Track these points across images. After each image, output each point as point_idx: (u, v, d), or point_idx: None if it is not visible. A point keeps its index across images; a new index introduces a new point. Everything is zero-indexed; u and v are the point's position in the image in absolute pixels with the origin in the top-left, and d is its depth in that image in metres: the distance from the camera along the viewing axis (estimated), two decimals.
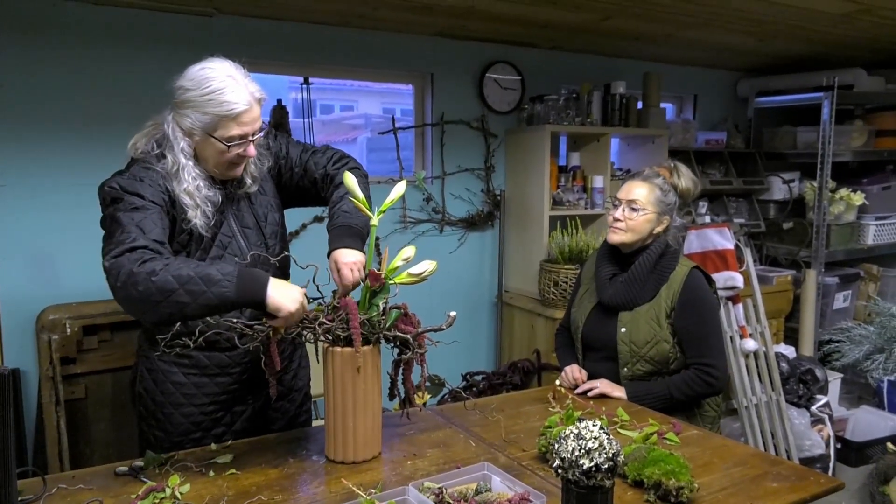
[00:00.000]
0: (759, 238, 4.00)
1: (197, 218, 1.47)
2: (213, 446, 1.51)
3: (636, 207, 1.92)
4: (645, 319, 1.91)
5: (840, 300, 3.78)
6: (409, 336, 1.44)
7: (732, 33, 3.12)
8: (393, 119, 3.05)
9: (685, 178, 2.00)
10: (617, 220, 1.95)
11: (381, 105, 4.33)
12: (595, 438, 1.11)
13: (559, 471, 1.13)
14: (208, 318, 1.37)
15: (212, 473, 1.38)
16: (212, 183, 1.52)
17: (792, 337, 3.73)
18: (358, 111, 3.70)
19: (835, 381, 3.55)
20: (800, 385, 3.31)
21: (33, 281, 2.38)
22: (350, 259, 1.45)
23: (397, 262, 1.46)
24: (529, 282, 3.16)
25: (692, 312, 1.89)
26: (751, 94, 4.14)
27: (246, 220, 1.59)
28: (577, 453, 1.10)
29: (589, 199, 3.21)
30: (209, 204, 1.49)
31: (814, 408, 3.28)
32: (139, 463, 1.40)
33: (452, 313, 1.48)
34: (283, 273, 1.65)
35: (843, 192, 3.63)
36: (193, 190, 1.46)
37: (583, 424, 1.14)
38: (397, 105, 4.54)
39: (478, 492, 1.24)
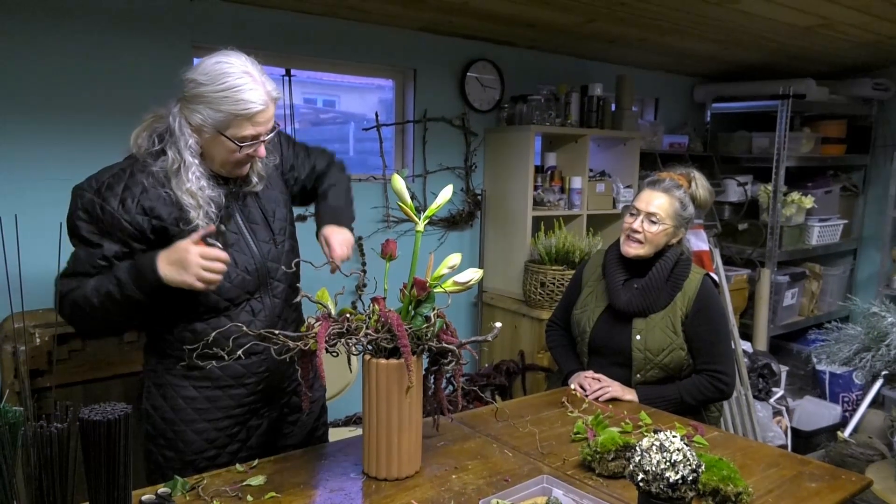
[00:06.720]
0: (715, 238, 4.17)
1: (199, 219, 1.40)
2: (239, 467, 1.40)
3: (655, 220, 1.89)
4: (660, 327, 1.91)
5: (789, 297, 4.01)
6: (454, 347, 1.39)
7: (702, 40, 3.22)
8: (377, 115, 2.96)
9: (702, 189, 1.97)
10: (635, 231, 1.91)
11: (303, 95, 4.22)
12: (678, 450, 1.11)
13: (641, 484, 1.12)
14: (245, 329, 1.28)
15: (250, 498, 1.28)
16: (216, 183, 1.45)
17: (745, 333, 3.92)
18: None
19: (783, 373, 3.76)
20: (759, 379, 3.49)
21: None
22: (340, 236, 1.56)
23: (443, 269, 1.41)
24: (511, 282, 3.15)
25: (705, 319, 1.91)
26: (707, 100, 4.31)
27: (253, 216, 1.53)
28: (661, 466, 1.09)
29: (567, 200, 3.24)
30: (212, 204, 1.43)
31: (772, 400, 3.46)
32: (165, 489, 1.28)
33: (498, 324, 1.45)
34: (295, 275, 1.59)
35: (795, 195, 3.85)
36: (196, 190, 1.40)
37: (663, 436, 1.13)
38: (318, 95, 4.40)
39: None
